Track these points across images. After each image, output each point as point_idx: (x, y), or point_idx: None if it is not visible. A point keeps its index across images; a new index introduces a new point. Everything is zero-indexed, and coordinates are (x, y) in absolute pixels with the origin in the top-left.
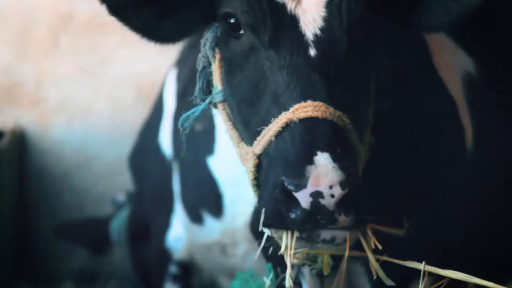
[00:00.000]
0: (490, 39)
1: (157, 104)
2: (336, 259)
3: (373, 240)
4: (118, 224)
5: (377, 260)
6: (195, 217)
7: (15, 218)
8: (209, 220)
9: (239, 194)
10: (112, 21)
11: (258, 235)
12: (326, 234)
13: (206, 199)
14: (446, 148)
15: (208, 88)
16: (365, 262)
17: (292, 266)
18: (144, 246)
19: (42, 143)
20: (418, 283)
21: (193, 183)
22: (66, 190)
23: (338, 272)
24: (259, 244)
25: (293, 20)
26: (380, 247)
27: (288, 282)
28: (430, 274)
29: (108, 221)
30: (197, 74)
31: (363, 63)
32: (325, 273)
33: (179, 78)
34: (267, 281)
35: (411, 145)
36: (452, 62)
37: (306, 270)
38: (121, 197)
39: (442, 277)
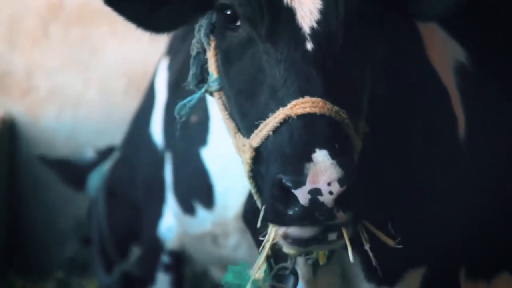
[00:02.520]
0: (482, 30)
1: (149, 93)
2: (331, 250)
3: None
4: (96, 182)
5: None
6: (187, 208)
7: (5, 208)
8: (200, 211)
9: (230, 185)
10: (102, 10)
11: (250, 224)
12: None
13: (198, 190)
14: (439, 138)
15: (201, 75)
16: (359, 252)
17: (289, 256)
18: (121, 208)
19: (33, 132)
20: (414, 274)
21: (186, 174)
22: (57, 180)
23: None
24: (251, 234)
25: (290, 13)
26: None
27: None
28: (424, 263)
29: (88, 169)
30: (191, 60)
31: (360, 54)
32: (321, 263)
33: (171, 68)
34: (261, 273)
35: (404, 135)
36: (443, 51)
37: (300, 258)
38: (90, 153)
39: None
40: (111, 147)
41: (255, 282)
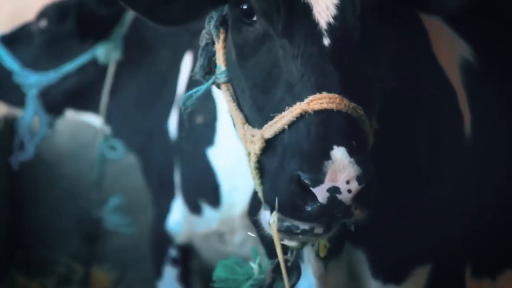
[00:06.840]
0: (487, 32)
1: (172, 88)
2: (332, 242)
3: None
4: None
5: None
6: (194, 208)
7: (7, 205)
8: (207, 210)
9: (236, 184)
10: None
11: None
12: (304, 225)
13: (205, 190)
14: (445, 135)
15: (209, 66)
16: (366, 249)
17: (292, 249)
18: None
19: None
20: (420, 271)
21: (192, 174)
22: (58, 178)
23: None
24: (257, 231)
25: (306, 8)
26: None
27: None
28: (430, 261)
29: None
30: (199, 51)
31: (376, 50)
32: (321, 256)
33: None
34: (254, 266)
35: (410, 132)
36: (450, 49)
37: (311, 254)
38: None
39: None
40: None
41: (254, 277)
